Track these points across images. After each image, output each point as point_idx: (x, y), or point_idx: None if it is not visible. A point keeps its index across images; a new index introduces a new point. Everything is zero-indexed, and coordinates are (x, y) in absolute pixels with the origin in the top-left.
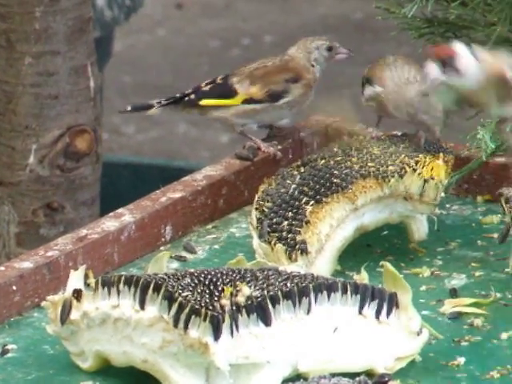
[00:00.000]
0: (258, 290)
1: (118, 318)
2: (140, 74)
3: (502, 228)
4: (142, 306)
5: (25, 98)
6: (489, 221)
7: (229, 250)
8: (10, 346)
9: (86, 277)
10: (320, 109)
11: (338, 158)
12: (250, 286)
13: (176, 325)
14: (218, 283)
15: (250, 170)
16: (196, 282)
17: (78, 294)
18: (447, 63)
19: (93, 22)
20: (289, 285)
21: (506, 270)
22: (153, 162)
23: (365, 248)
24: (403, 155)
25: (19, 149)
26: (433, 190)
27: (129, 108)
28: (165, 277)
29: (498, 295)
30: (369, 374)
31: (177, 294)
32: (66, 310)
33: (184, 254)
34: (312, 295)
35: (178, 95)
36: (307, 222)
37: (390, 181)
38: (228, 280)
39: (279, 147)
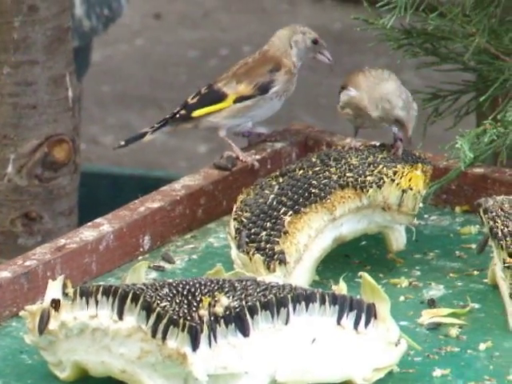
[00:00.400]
0: (236, 300)
1: (96, 328)
2: (118, 83)
3: (480, 238)
4: (120, 316)
5: (3, 107)
6: (467, 231)
7: (207, 260)
8: None
9: (65, 286)
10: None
11: (317, 168)
12: (229, 297)
13: (154, 335)
14: (197, 293)
15: (228, 180)
16: (174, 292)
17: (56, 303)
18: None
19: (71, 31)
20: (267, 295)
21: (484, 280)
22: (131, 172)
23: (343, 258)
24: (381, 165)
25: None
26: (411, 200)
27: (122, 143)
28: (143, 287)
29: (476, 306)
30: None
31: (155, 305)
32: (44, 319)
33: (162, 264)
34: (290, 306)
35: (167, 116)
36: (285, 233)
37: (368, 191)
38: (206, 290)
39: (257, 157)
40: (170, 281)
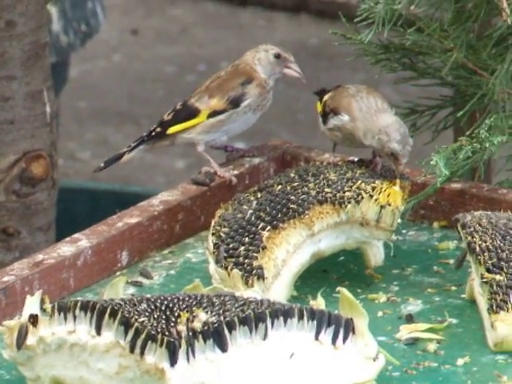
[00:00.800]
0: (214, 315)
1: (74, 343)
2: (96, 99)
3: (458, 254)
4: (99, 331)
5: None
6: (445, 247)
7: (185, 275)
8: None
9: (43, 302)
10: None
11: (295, 184)
12: (207, 312)
13: (132, 350)
14: (175, 309)
15: (206, 195)
16: (152, 307)
17: (34, 319)
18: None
19: (49, 47)
20: (245, 310)
21: (462, 295)
22: (109, 187)
23: (321, 274)
24: (360, 181)
25: None
26: (389, 216)
27: (102, 165)
28: (121, 302)
29: (454, 321)
30: None
31: (133, 320)
32: (22, 335)
33: (140, 279)
34: (268, 321)
35: (144, 134)
36: (264, 248)
37: (346, 207)
38: (184, 306)
39: (235, 172)
40: (148, 296)
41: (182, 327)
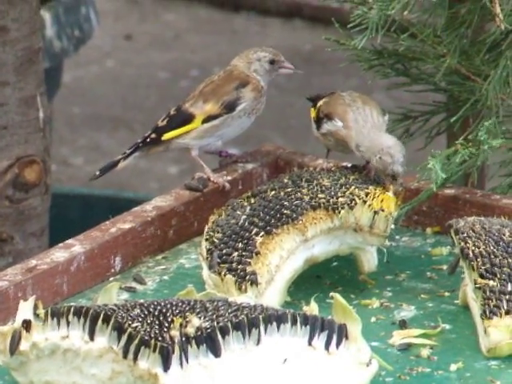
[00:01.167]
0: (207, 321)
1: (68, 348)
2: (89, 105)
3: (451, 260)
4: (92, 336)
5: None
6: (438, 252)
7: (178, 280)
8: None
9: (36, 307)
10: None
11: (289, 189)
12: (200, 317)
13: (125, 356)
14: (168, 314)
15: (199, 201)
16: (146, 312)
17: (27, 324)
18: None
19: (42, 52)
20: (238, 316)
21: (456, 301)
22: (102, 193)
23: (315, 279)
24: (353, 187)
25: None
26: (383, 221)
27: (98, 173)
28: (114, 308)
29: (447, 327)
30: None
31: (126, 325)
32: (16, 340)
33: (134, 284)
34: (262, 326)
35: (139, 140)
36: (257, 253)
37: (340, 212)
38: (178, 311)
39: (229, 178)
40: (142, 301)
41: (175, 332)
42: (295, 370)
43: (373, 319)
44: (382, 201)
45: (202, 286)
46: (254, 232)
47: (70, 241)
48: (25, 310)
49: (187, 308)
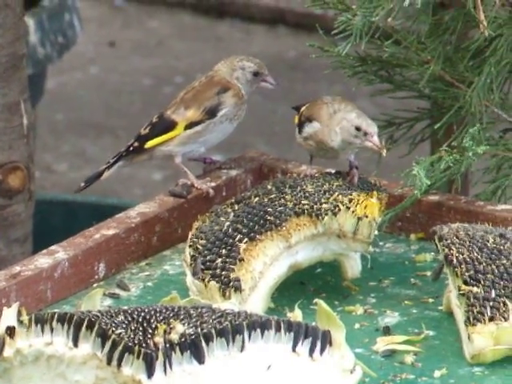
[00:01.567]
0: (191, 327)
1: (52, 355)
2: (73, 111)
3: (435, 266)
4: (76, 343)
5: None
6: (422, 259)
7: (162, 287)
8: None
9: (20, 314)
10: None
11: (272, 196)
12: (184, 324)
13: (109, 362)
14: (152, 320)
15: (183, 208)
16: (129, 319)
17: (11, 331)
18: None
19: (26, 59)
20: (222, 322)
21: (439, 307)
22: (85, 199)
23: (298, 286)
24: (337, 193)
25: None
26: (366, 227)
27: (83, 184)
28: (98, 314)
29: (431, 333)
30: None
31: (110, 332)
32: (0, 347)
33: (117, 291)
34: (246, 333)
35: (122, 149)
36: (241, 260)
37: (323, 219)
38: (161, 317)
39: (212, 184)
40: (126, 308)
41: (159, 339)
42: (279, 377)
43: (357, 326)
44: (365, 207)
45: (185, 293)
46: (237, 238)
47: (53, 247)
48: (9, 316)
49: (171, 314)
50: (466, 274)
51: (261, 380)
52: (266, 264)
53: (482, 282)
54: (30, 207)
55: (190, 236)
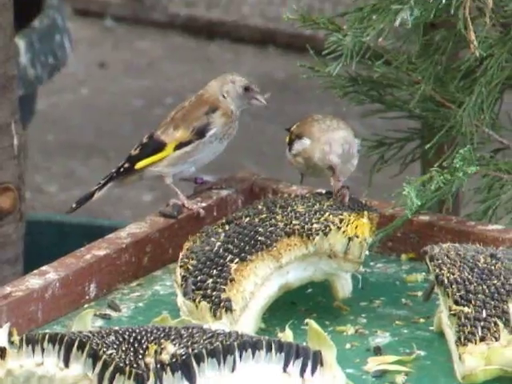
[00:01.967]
0: (182, 347)
1: (43, 375)
2: (63, 132)
3: (426, 286)
4: (67, 363)
5: None
6: (413, 279)
7: (153, 307)
8: None
9: (11, 334)
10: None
11: (263, 216)
12: (175, 344)
13: (100, 383)
14: (143, 341)
15: (174, 228)
16: (120, 339)
17: (2, 351)
18: None
19: (16, 80)
20: (213, 343)
21: (431, 328)
22: (76, 220)
23: (289, 306)
24: (328, 213)
25: None
26: (357, 248)
27: (74, 205)
28: (89, 335)
29: (422, 353)
30: None
31: (101, 352)
32: None
33: (108, 311)
34: (237, 353)
35: (112, 170)
36: (232, 280)
37: (314, 239)
38: (152, 338)
39: (203, 205)
40: (117, 328)
41: (150, 359)
42: None
43: (348, 346)
44: (356, 227)
45: (176, 313)
46: (228, 259)
47: (44, 268)
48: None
49: (162, 335)
50: (457, 294)
51: None
52: (257, 284)
53: (473, 302)
54: (21, 228)
55: (180, 256)
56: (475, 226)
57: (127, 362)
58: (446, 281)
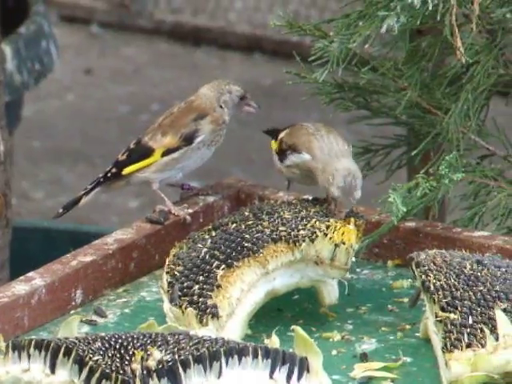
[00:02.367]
0: (168, 354)
1: (29, 381)
2: (49, 138)
3: (412, 293)
4: (53, 369)
5: None
6: (399, 285)
7: (139, 314)
8: None
9: None
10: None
11: (250, 222)
12: (161, 351)
13: None
14: (129, 347)
15: (160, 234)
16: (107, 345)
17: None
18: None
19: (3, 86)
20: (200, 349)
21: (417, 334)
22: (62, 226)
23: (276, 312)
24: (314, 219)
25: None
26: (344, 254)
27: (61, 210)
28: (75, 341)
29: (409, 360)
30: None
31: (87, 358)
32: None
33: (94, 317)
34: (223, 359)
35: (99, 175)
36: (218, 286)
37: (301, 245)
38: (139, 344)
39: (190, 211)
40: (103, 335)
41: (136, 366)
42: None
43: (334, 352)
44: (342, 233)
45: (163, 319)
46: (214, 265)
47: (30, 274)
48: None
49: (148, 341)
50: (443, 300)
51: None
52: (244, 291)
53: (460, 309)
54: (7, 234)
55: (167, 262)
56: (461, 233)
57: (113, 369)
58: (432, 287)
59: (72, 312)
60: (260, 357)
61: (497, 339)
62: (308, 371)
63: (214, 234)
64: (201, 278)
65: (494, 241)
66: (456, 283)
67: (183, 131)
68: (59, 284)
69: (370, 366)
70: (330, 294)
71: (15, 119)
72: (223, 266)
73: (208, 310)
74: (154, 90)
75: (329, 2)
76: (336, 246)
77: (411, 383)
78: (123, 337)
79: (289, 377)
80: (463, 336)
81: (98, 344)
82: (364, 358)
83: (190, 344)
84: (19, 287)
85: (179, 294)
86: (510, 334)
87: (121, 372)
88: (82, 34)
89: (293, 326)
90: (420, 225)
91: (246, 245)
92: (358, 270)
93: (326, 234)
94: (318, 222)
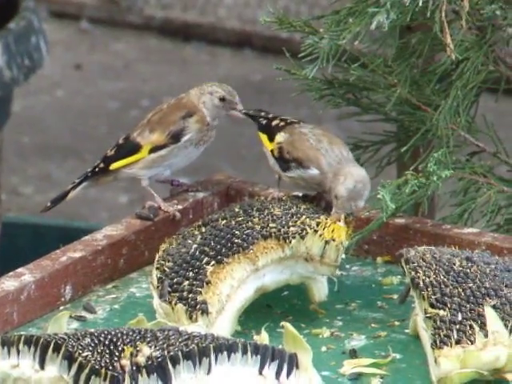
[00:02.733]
0: (158, 350)
1: (18, 377)
2: (38, 134)
3: (401, 289)
4: (42, 365)
5: None
6: (389, 282)
7: (129, 309)
8: None
9: None
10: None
11: (240, 219)
12: (151, 346)
13: None
14: (119, 343)
15: (150, 230)
16: (96, 341)
17: None
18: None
19: None
20: (189, 345)
21: (406, 330)
22: (52, 222)
23: (265, 308)
24: (304, 216)
25: None
26: (334, 251)
27: (49, 204)
28: (65, 337)
29: (398, 356)
30: None
31: (77, 354)
32: None
33: (84, 313)
34: (212, 355)
35: (88, 170)
36: (208, 283)
37: (291, 242)
38: (128, 340)
39: (179, 207)
40: (92, 330)
41: (125, 361)
42: None
43: (323, 348)
44: (332, 230)
45: (152, 315)
46: (204, 261)
47: (20, 270)
48: None
49: (138, 337)
50: (433, 297)
51: None
52: (233, 287)
53: (449, 305)
54: None
55: (156, 258)
56: (451, 229)
57: (103, 364)
58: (421, 284)
59: (61, 308)
60: (249, 353)
61: (486, 336)
62: (297, 367)
63: (203, 230)
64: (191, 274)
65: (483, 237)
66: (445, 280)
67: (171, 128)
68: (48, 280)
69: (359, 363)
70: (320, 290)
71: (5, 115)
72: (213, 262)
73: (198, 306)
74: (143, 85)
75: None
76: (326, 242)
77: (400, 379)
78: (112, 333)
79: (278, 373)
80: (452, 333)
81: (88, 340)
82: (353, 354)
83: (180, 340)
84: (8, 283)
85: (169, 289)
86: (499, 331)
87: (110, 368)
88: (72, 30)
89: (282, 323)
90: (409, 221)
91: (236, 241)
92: (347, 266)
93: (316, 231)
94: (308, 219)
